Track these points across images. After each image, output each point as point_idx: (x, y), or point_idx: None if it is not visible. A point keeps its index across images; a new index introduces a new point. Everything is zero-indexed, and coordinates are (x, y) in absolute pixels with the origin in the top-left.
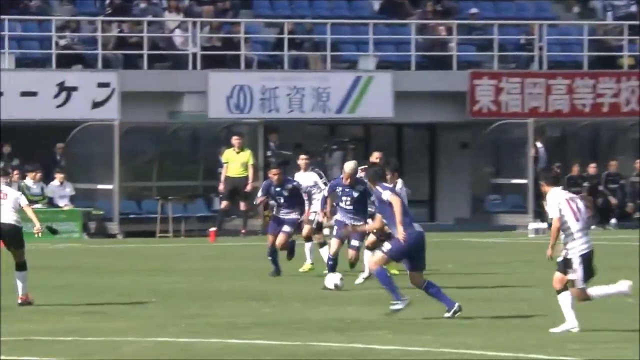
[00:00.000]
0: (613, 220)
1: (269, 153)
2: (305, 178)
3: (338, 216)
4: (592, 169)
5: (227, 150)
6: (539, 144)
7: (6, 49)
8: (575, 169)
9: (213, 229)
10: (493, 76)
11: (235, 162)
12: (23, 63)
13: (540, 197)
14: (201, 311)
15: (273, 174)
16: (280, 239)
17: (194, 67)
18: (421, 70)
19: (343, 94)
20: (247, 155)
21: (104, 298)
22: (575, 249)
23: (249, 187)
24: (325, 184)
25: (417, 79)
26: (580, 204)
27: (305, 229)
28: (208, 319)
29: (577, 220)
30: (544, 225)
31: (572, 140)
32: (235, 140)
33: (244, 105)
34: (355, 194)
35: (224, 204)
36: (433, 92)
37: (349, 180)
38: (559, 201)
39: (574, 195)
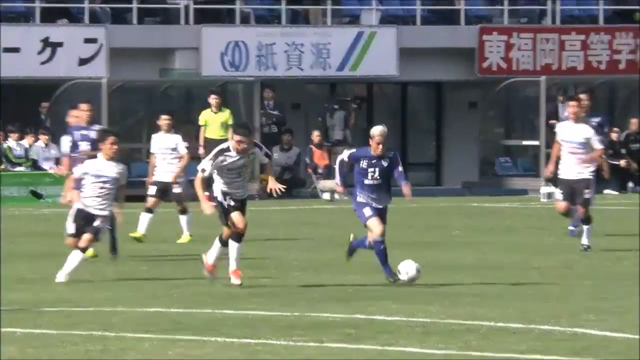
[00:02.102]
0: (630, 184)
1: (260, 112)
2: (166, 140)
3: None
4: (614, 134)
5: (204, 111)
6: (560, 105)
7: None
8: None
9: (206, 193)
10: (503, 31)
11: (214, 123)
12: (5, 17)
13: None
14: (194, 280)
15: (77, 114)
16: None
17: (187, 22)
18: (427, 25)
19: (344, 50)
20: (226, 115)
21: (92, 266)
22: None
23: None
24: (187, 148)
25: (423, 35)
26: None
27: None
28: (201, 288)
29: None
30: (558, 189)
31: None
32: (212, 99)
33: (239, 62)
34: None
35: None
36: (440, 49)
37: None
38: None
39: None
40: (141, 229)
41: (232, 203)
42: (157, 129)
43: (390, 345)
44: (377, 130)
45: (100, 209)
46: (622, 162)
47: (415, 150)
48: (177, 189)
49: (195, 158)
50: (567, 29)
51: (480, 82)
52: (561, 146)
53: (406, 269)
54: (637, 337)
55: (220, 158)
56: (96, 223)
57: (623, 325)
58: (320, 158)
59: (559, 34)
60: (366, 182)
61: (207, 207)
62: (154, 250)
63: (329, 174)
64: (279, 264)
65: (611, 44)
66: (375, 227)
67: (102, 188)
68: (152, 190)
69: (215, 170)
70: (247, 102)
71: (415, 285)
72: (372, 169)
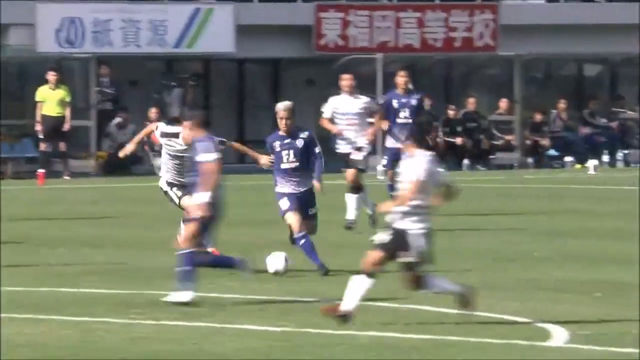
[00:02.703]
0: (466, 161)
1: (95, 89)
2: None
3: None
4: (450, 111)
5: (41, 88)
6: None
7: None
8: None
9: (41, 170)
10: (340, 9)
11: (51, 100)
12: None
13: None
14: (30, 259)
15: None
16: None
17: None
18: (264, 2)
19: (181, 27)
20: (63, 92)
21: None
22: None
23: (66, 126)
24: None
25: (260, 12)
26: None
27: None
28: (37, 267)
29: None
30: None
31: (424, 76)
32: (50, 75)
33: (75, 39)
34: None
35: (42, 145)
36: (277, 26)
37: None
38: None
39: None
40: None
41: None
42: None
43: (228, 323)
44: (280, 105)
45: None
46: (459, 140)
47: (252, 127)
48: None
49: (29, 135)
50: (404, 6)
51: (317, 59)
52: (332, 119)
53: (275, 264)
54: (473, 312)
55: (170, 143)
56: None
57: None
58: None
59: (396, 11)
60: (282, 166)
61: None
62: None
63: None
64: (116, 242)
65: (447, 22)
66: (292, 222)
67: None
68: None
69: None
70: (83, 79)
71: (255, 265)
72: (286, 151)
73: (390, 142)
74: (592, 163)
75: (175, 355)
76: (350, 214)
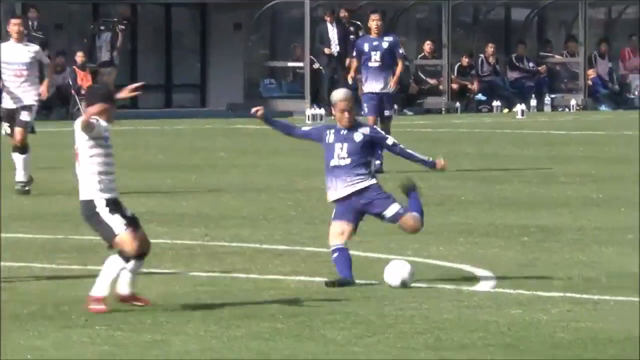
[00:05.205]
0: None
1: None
2: None
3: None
4: None
5: None
6: (329, 26)
7: None
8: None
9: None
10: None
11: None
12: None
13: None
14: None
15: None
16: None
17: None
18: None
19: None
20: None
21: None
22: None
23: None
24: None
25: None
26: None
27: None
28: None
29: None
30: (322, 111)
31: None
32: None
33: None
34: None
35: None
36: None
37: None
38: None
39: None
40: None
41: None
42: None
43: (155, 268)
44: (339, 94)
45: None
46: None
47: (180, 71)
48: None
49: None
50: None
51: (245, 3)
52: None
53: (398, 274)
54: (401, 258)
55: None
56: None
57: (385, 246)
58: (83, 79)
59: None
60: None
61: None
62: None
63: None
64: (44, 187)
65: None
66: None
67: None
68: None
69: None
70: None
71: (183, 209)
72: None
73: (368, 87)
74: (519, 107)
75: None
76: (20, 175)
